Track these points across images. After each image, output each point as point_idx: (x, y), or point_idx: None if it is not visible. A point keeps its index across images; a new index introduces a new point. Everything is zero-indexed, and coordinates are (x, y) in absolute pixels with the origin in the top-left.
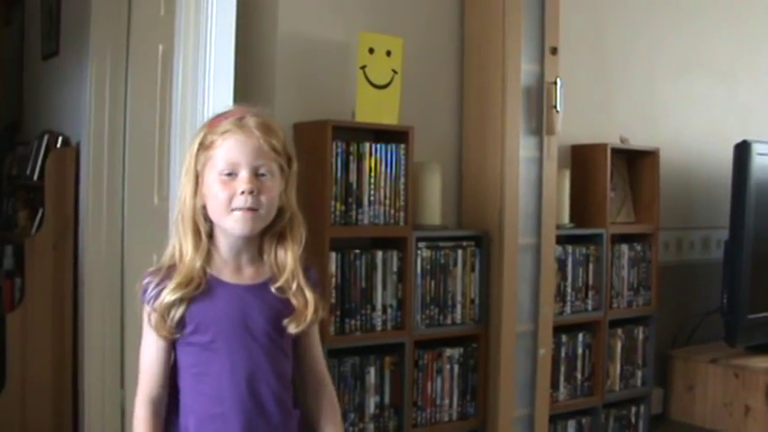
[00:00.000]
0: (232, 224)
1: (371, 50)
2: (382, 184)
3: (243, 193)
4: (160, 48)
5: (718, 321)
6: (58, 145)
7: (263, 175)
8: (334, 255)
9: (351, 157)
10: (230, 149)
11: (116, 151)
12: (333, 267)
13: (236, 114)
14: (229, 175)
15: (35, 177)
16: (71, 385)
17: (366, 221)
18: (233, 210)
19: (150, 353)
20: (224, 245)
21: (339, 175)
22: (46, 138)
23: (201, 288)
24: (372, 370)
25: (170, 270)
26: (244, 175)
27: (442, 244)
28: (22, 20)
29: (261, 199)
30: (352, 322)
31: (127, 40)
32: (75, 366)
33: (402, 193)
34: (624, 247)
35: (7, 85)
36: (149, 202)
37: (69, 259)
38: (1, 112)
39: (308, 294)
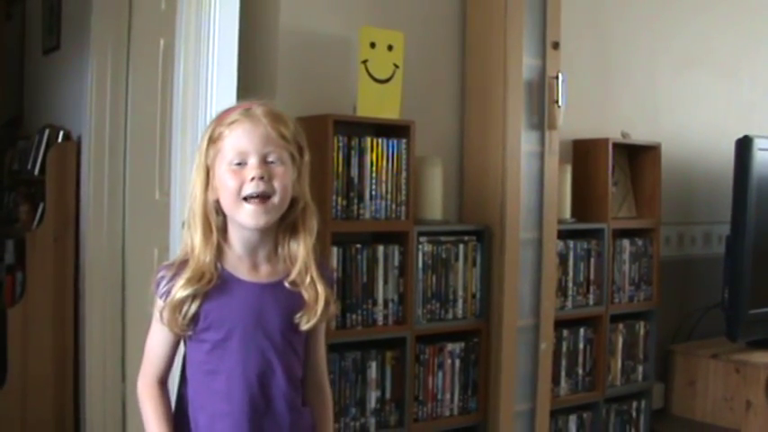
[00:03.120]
0: (245, 217)
1: (373, 45)
2: (384, 178)
3: (253, 179)
4: (161, 42)
5: (719, 316)
6: (59, 139)
7: (272, 162)
8: (335, 249)
9: (352, 152)
10: (238, 138)
11: (117, 145)
12: (334, 262)
13: (243, 106)
14: (239, 164)
15: (36, 172)
16: (72, 379)
17: (367, 216)
18: (244, 198)
19: (156, 344)
20: (237, 240)
21: (340, 169)
22: (47, 132)
23: (213, 283)
24: (374, 364)
25: (182, 265)
26: (253, 161)
27: (443, 238)
28: (23, 14)
29: (273, 184)
30: (354, 317)
31: (128, 34)
32: (77, 360)
33: (403, 187)
34: (625, 242)
35: (8, 79)
36: (151, 197)
37: (70, 253)
38: (2, 106)
39: (320, 288)
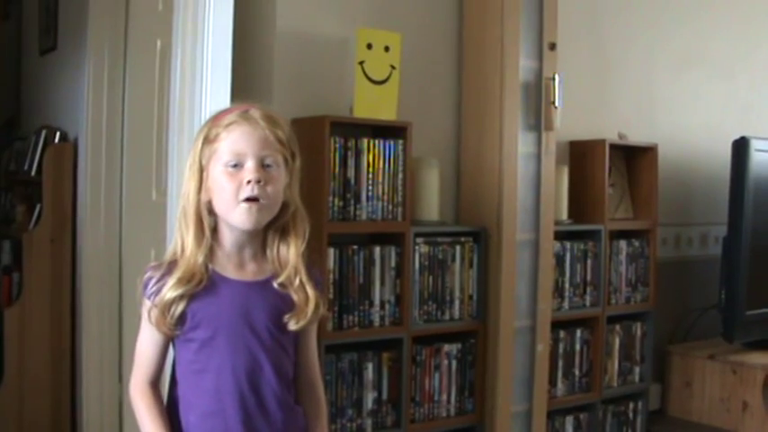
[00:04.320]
0: (238, 218)
1: (369, 46)
2: (380, 179)
3: (249, 182)
4: (158, 43)
5: (715, 317)
6: (56, 140)
7: (268, 166)
8: (332, 250)
9: (349, 153)
10: (236, 141)
11: (114, 146)
12: (331, 263)
13: (240, 108)
14: (235, 166)
15: (33, 172)
16: (69, 380)
17: (364, 217)
18: (240, 201)
19: (146, 346)
20: (228, 240)
21: (337, 170)
22: (44, 133)
23: (203, 284)
24: (370, 366)
25: (171, 265)
26: (250, 165)
27: (440, 239)
28: (19, 14)
29: (267, 189)
30: (351, 318)
31: (125, 35)
32: (74, 361)
33: (400, 188)
34: (622, 243)
35: (5, 80)
36: (147, 197)
37: (67, 254)
38: None
39: (310, 291)
